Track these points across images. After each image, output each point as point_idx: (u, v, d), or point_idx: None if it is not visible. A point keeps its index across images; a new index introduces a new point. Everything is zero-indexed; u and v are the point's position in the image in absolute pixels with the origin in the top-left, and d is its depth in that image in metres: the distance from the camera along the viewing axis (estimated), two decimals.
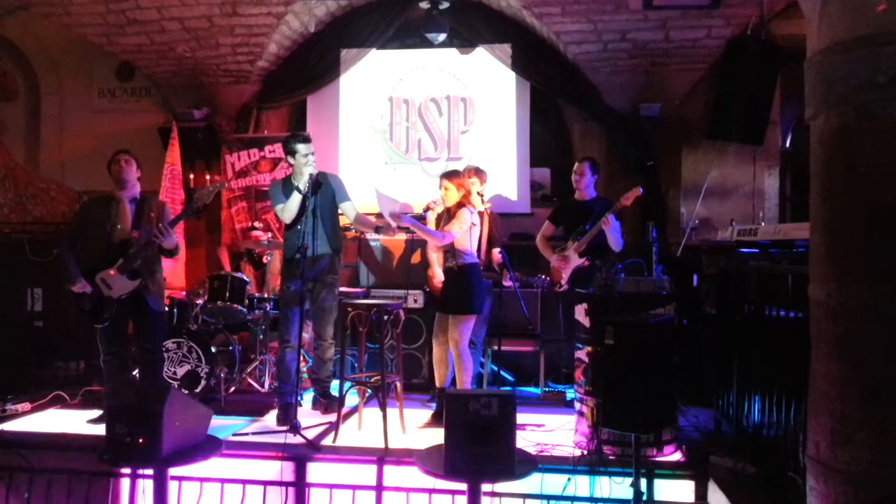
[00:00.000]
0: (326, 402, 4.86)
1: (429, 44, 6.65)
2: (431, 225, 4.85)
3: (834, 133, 2.33)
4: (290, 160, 4.73)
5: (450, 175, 4.75)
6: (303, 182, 4.59)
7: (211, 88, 6.87)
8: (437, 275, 4.97)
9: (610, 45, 6.10)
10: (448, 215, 4.72)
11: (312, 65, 6.85)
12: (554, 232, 5.36)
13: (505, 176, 6.75)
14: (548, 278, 5.39)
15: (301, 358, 5.09)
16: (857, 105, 2.23)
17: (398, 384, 4.55)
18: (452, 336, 4.59)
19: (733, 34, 5.78)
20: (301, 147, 4.67)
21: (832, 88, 2.31)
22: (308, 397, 5.13)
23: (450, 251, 4.69)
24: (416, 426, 4.56)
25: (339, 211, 4.94)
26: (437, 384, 4.81)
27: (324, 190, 4.76)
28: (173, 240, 4.49)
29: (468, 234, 4.66)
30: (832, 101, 2.32)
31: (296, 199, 4.62)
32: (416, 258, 6.17)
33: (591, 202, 5.19)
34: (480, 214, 5.07)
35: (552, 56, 6.48)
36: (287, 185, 4.71)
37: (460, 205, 4.67)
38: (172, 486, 3.65)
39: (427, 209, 4.78)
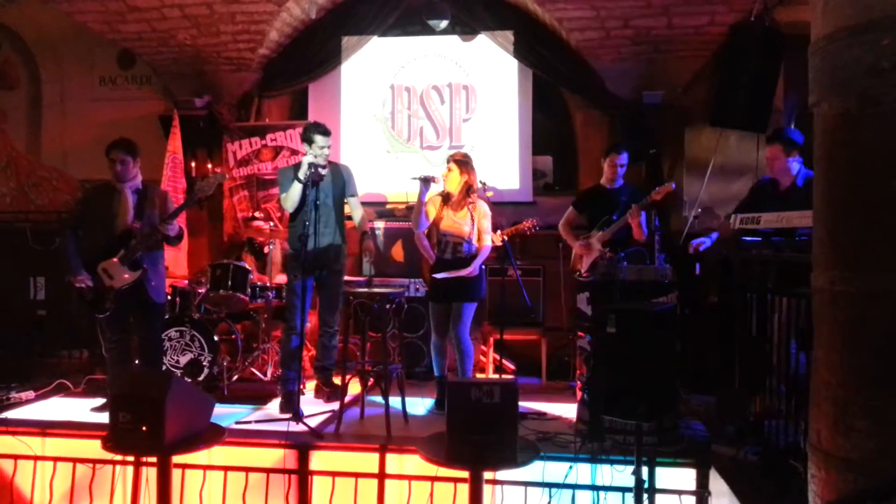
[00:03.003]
0: (329, 391, 4.88)
1: (430, 31, 6.62)
2: (427, 197, 4.76)
3: (837, 120, 2.31)
4: (307, 148, 4.73)
5: (459, 161, 4.73)
6: (303, 172, 4.59)
7: (212, 76, 6.84)
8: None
9: (613, 32, 6.06)
10: (448, 198, 4.72)
11: (314, 52, 6.82)
12: (577, 218, 5.30)
13: (507, 164, 6.74)
14: (572, 267, 5.38)
15: (305, 347, 5.12)
16: (860, 91, 2.21)
17: (400, 372, 4.56)
18: (455, 324, 4.61)
19: (736, 21, 5.73)
20: (319, 139, 4.68)
21: (835, 75, 2.29)
22: (311, 385, 5.15)
23: (458, 241, 4.68)
24: (418, 414, 4.57)
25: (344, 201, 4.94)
26: (437, 373, 4.83)
27: (335, 180, 4.77)
28: (176, 228, 4.49)
29: (471, 223, 4.68)
30: (835, 88, 2.30)
31: (296, 188, 4.62)
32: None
33: (619, 190, 5.17)
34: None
35: (555, 43, 6.44)
36: (297, 171, 4.71)
37: (469, 192, 4.66)
38: (176, 473, 3.67)
39: (426, 180, 4.69)
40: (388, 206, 6.83)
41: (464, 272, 4.62)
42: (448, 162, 4.75)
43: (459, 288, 4.65)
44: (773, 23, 5.64)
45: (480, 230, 4.69)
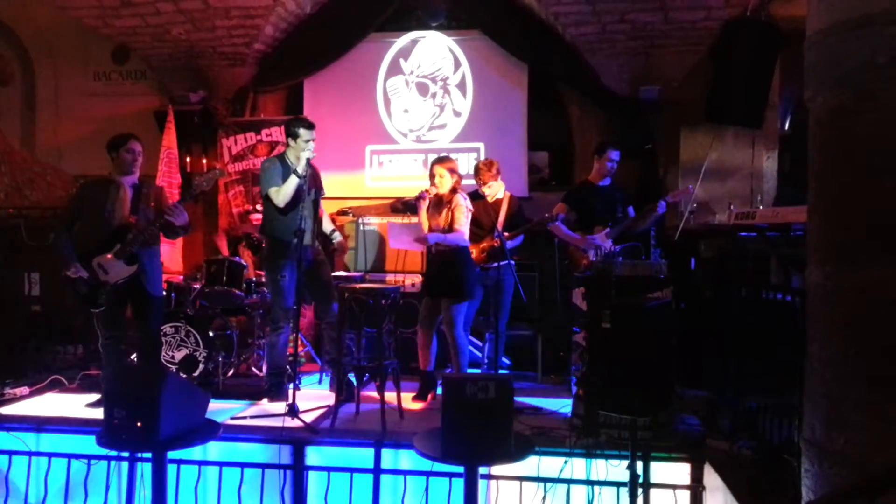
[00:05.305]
0: (347, 386, 4.79)
1: (426, 26, 6.61)
2: (424, 212, 4.81)
3: (832, 114, 2.31)
4: (291, 143, 4.70)
5: (441, 161, 4.76)
6: (301, 167, 4.58)
7: (207, 71, 6.82)
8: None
9: (609, 27, 6.05)
10: (439, 202, 4.72)
11: (309, 47, 6.80)
12: (568, 214, 5.29)
13: (503, 160, 6.68)
14: (565, 261, 5.38)
15: (300, 342, 5.12)
16: (855, 86, 2.21)
17: (396, 368, 4.55)
18: (447, 320, 4.61)
19: (732, 15, 5.72)
20: (304, 132, 4.64)
21: (830, 69, 2.29)
22: (309, 380, 5.16)
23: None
24: (413, 409, 4.58)
25: None
26: (421, 367, 4.83)
27: (314, 179, 4.77)
28: (185, 217, 4.45)
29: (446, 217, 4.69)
30: (830, 83, 2.30)
31: (293, 182, 4.59)
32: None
33: (611, 187, 5.23)
34: (499, 201, 5.18)
35: (551, 38, 6.43)
36: (285, 167, 4.69)
37: (454, 191, 4.69)
38: (171, 469, 3.67)
39: (420, 198, 4.76)
40: (385, 203, 6.81)
41: (423, 244, 4.65)
42: (434, 168, 4.74)
43: (448, 286, 4.66)
44: (770, 17, 5.62)
45: (452, 220, 4.67)
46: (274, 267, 4.72)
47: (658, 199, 5.10)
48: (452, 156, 6.70)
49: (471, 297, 4.75)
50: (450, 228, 4.66)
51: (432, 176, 4.73)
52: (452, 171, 4.71)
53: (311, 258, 4.72)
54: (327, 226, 5.04)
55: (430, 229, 4.74)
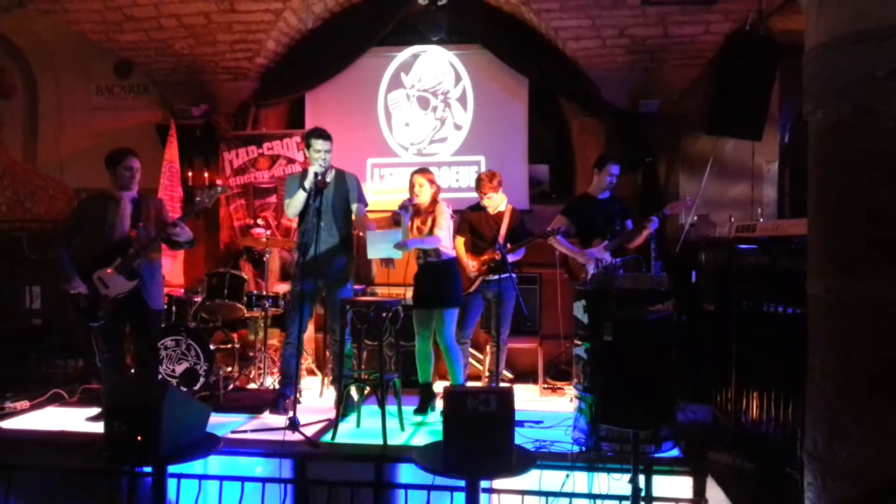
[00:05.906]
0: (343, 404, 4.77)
1: (427, 39, 6.65)
2: (406, 222, 4.81)
3: (831, 128, 2.32)
4: (307, 153, 4.74)
5: (421, 171, 4.81)
6: (308, 181, 4.59)
7: (209, 86, 6.85)
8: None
9: (608, 41, 6.09)
10: (421, 212, 4.73)
11: (310, 61, 6.83)
12: (567, 227, 5.28)
13: (503, 172, 6.69)
14: (565, 273, 5.38)
15: (302, 355, 5.11)
16: (854, 99, 2.23)
17: (397, 381, 4.55)
18: (440, 330, 4.63)
19: (732, 29, 5.77)
20: (315, 142, 4.65)
21: (830, 83, 2.31)
22: (310, 394, 5.13)
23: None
24: (414, 423, 4.56)
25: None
26: (421, 380, 4.83)
27: (338, 187, 4.75)
28: (188, 233, 4.47)
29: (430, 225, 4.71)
30: (829, 96, 2.31)
31: (300, 196, 4.62)
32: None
33: (610, 200, 5.25)
34: (500, 213, 5.18)
35: (551, 52, 6.47)
36: (304, 179, 4.70)
37: (434, 202, 4.71)
38: (171, 483, 3.66)
39: (404, 206, 4.76)
40: (385, 216, 6.82)
41: (402, 250, 4.63)
42: (414, 177, 4.77)
43: (438, 295, 4.69)
44: (769, 31, 5.67)
45: (434, 225, 4.69)
46: (293, 278, 4.81)
47: (652, 215, 5.10)
48: (453, 169, 6.80)
49: (459, 305, 4.78)
50: (430, 234, 4.69)
51: (412, 186, 4.76)
52: (431, 181, 4.76)
53: (328, 274, 4.68)
54: (358, 226, 4.93)
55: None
